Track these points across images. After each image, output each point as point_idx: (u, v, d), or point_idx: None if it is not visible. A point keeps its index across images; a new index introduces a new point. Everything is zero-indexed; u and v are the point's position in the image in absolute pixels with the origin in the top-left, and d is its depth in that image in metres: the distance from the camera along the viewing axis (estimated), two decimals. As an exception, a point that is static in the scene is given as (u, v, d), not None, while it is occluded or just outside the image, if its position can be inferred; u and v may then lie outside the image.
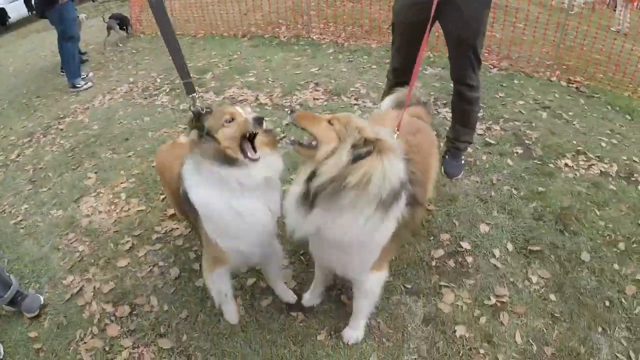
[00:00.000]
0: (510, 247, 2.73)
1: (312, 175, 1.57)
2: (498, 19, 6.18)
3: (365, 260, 1.86)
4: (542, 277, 2.54)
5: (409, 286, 2.51)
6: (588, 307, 2.38)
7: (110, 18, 8.22)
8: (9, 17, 13.44)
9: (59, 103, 6.16)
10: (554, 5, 6.12)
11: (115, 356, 2.38)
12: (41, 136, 5.23)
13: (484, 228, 2.85)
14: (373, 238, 1.71)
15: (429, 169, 2.18)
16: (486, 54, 5.64)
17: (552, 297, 2.43)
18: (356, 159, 1.51)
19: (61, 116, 5.67)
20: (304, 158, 1.70)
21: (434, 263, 2.64)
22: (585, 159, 3.59)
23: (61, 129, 5.27)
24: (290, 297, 2.45)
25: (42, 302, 2.66)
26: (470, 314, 2.35)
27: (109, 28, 8.03)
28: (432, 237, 2.82)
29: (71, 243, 3.21)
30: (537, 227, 2.87)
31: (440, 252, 2.71)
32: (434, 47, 5.55)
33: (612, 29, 7.69)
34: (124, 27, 8.58)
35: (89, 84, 6.46)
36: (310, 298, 2.41)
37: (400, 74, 3.06)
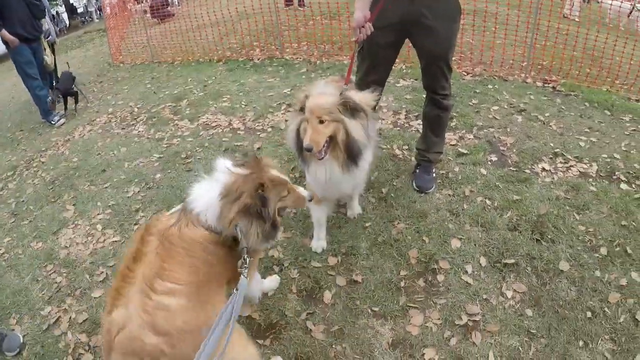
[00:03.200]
0: (483, 261, 2.60)
1: (349, 149, 2.27)
2: (469, 24, 6.09)
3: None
4: (518, 292, 2.41)
5: (375, 309, 2.40)
6: (567, 320, 2.25)
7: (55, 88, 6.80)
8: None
9: (41, 136, 6.20)
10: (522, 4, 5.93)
11: None
12: (24, 169, 5.29)
13: (455, 243, 2.73)
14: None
15: None
16: (459, 61, 5.56)
17: (529, 312, 2.30)
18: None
19: (43, 149, 5.73)
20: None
21: (402, 284, 2.52)
22: (563, 161, 3.48)
23: (43, 162, 5.33)
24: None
25: (21, 341, 2.74)
26: (440, 335, 2.24)
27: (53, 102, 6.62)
28: (400, 257, 2.69)
29: (50, 275, 3.27)
30: (512, 238, 2.74)
31: (409, 272, 2.59)
32: (407, 58, 5.48)
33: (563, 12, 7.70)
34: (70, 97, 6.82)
35: (62, 120, 6.46)
36: (318, 243, 2.83)
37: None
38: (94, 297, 2.94)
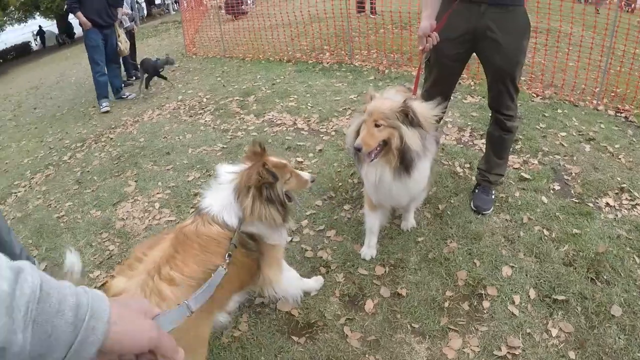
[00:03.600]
0: (532, 294, 2.50)
1: (402, 156, 2.28)
2: (541, 44, 5.87)
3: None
4: (564, 331, 2.29)
5: (415, 326, 2.38)
6: None
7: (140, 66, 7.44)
8: (74, 32, 14.51)
9: (112, 114, 6.60)
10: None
11: None
12: (93, 143, 5.67)
13: (506, 271, 2.64)
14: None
15: None
16: (529, 82, 5.38)
17: (572, 354, 2.17)
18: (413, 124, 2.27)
19: (113, 126, 6.10)
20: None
21: (446, 304, 2.47)
22: (629, 198, 3.29)
23: (111, 138, 5.67)
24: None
25: None
26: None
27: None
28: (448, 277, 2.65)
29: (103, 242, 3.49)
30: (566, 274, 2.61)
31: (455, 293, 2.54)
32: (476, 74, 5.38)
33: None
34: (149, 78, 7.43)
35: (132, 95, 7.16)
36: (368, 251, 2.83)
37: None
38: None
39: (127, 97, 7.21)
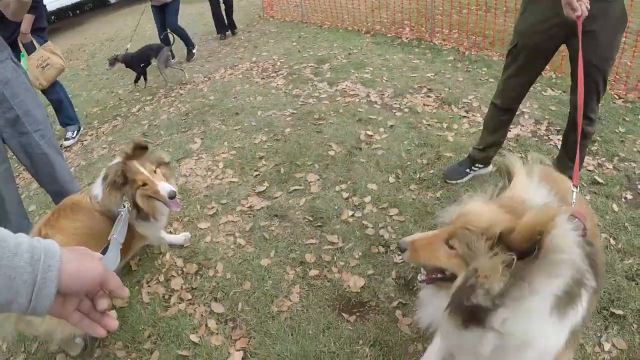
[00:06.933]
0: None
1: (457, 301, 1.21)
2: (629, 44, 5.43)
3: None
4: (617, 347, 2.21)
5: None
6: None
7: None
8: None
9: (184, 71, 6.69)
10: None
11: (170, 306, 2.61)
12: (162, 97, 5.87)
13: (567, 276, 2.58)
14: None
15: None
16: (613, 83, 5.03)
17: None
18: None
19: (184, 82, 6.26)
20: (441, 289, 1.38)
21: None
22: None
23: (181, 94, 5.83)
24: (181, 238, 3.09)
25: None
26: None
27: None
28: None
29: None
30: (628, 288, 2.50)
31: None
32: (558, 67, 5.12)
33: None
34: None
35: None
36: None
37: (507, 107, 3.05)
38: (200, 228, 3.19)
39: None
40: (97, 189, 2.38)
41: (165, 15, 7.09)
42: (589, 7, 2.26)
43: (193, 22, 10.65)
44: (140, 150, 2.41)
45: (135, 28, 7.92)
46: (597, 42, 2.49)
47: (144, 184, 2.34)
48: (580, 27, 2.27)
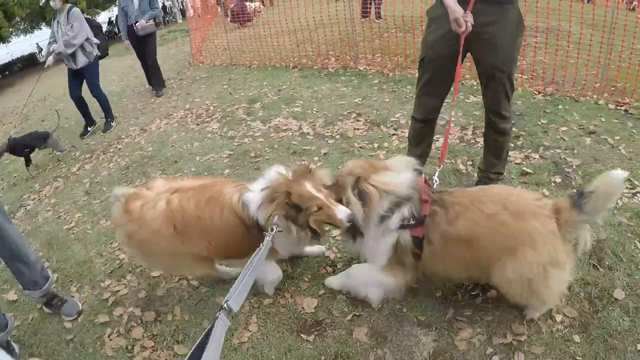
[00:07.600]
0: None
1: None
2: (542, 42, 5.97)
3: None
4: (568, 316, 2.34)
5: (422, 318, 2.44)
6: (616, 350, 2.15)
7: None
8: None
9: (120, 125, 6.67)
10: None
11: (135, 355, 2.56)
12: (101, 153, 5.75)
13: (509, 260, 2.70)
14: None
15: None
16: (531, 80, 5.44)
17: (576, 338, 2.23)
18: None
19: (121, 137, 6.17)
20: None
21: (452, 297, 2.54)
22: (629, 187, 3.30)
23: (119, 149, 5.75)
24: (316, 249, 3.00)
25: (80, 309, 2.94)
26: (482, 352, 2.23)
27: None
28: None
29: (114, 251, 3.53)
30: None
31: (461, 286, 2.59)
32: (477, 75, 5.41)
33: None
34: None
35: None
36: None
37: (425, 118, 3.18)
38: (153, 277, 3.14)
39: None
40: (254, 196, 2.30)
41: (81, 80, 6.42)
42: (473, 23, 2.54)
43: (124, 74, 10.62)
44: (308, 172, 2.29)
45: (25, 103, 7.74)
46: (496, 46, 2.69)
47: (319, 208, 2.19)
48: (462, 41, 2.60)
